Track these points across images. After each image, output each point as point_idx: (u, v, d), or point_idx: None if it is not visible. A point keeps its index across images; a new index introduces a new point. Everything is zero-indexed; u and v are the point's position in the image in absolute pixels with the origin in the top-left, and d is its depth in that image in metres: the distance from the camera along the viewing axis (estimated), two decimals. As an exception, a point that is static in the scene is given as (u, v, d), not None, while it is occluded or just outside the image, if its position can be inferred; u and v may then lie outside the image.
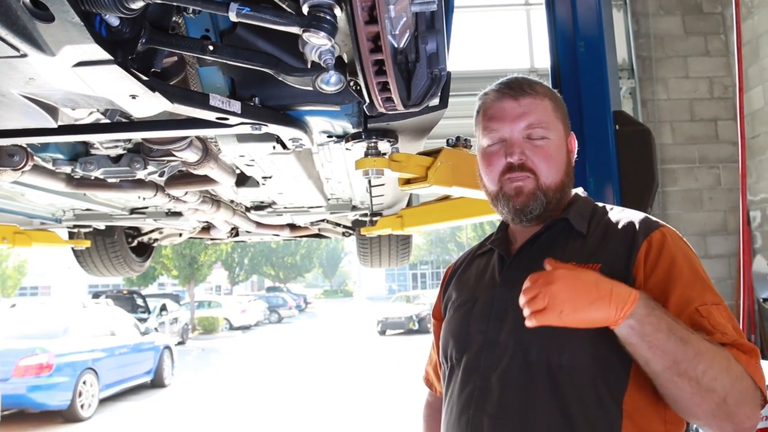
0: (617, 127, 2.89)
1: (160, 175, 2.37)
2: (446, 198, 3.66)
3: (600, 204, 1.42)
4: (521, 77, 1.38)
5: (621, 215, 1.34)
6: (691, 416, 1.13)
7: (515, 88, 1.35)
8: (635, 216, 1.32)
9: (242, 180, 2.76)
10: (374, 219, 3.98)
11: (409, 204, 4.10)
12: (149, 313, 17.15)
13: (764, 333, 6.29)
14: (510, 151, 1.31)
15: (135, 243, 4.98)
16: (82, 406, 9.20)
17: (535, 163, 1.31)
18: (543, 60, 6.88)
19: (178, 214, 3.57)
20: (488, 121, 1.35)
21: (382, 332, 22.15)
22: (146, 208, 3.64)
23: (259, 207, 3.61)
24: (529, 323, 1.09)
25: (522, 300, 1.11)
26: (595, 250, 1.27)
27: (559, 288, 1.07)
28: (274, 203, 3.50)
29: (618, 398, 1.17)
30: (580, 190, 1.45)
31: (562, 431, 1.17)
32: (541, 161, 1.32)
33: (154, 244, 5.32)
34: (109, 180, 2.47)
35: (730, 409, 1.08)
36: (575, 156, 1.41)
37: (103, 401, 9.98)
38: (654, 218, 1.32)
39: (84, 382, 9.28)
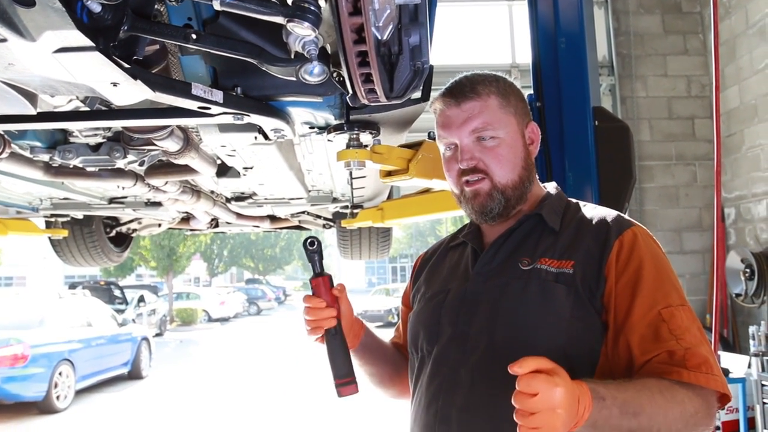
0: (596, 122, 2.92)
1: (140, 165, 2.36)
2: (427, 191, 3.68)
3: (573, 200, 1.43)
4: (464, 78, 1.38)
5: (594, 212, 1.36)
6: None
7: (456, 94, 1.35)
8: (608, 214, 1.34)
9: (223, 170, 2.75)
10: (355, 211, 3.99)
11: (389, 197, 4.11)
12: (127, 304, 17.00)
13: (736, 328, 6.41)
14: (461, 158, 1.33)
15: (113, 233, 4.94)
16: (57, 398, 9.11)
17: (487, 165, 1.32)
18: (524, 56, 6.92)
19: (158, 204, 3.54)
20: (440, 129, 1.38)
21: (362, 325, 22.21)
22: (125, 197, 3.61)
23: (240, 198, 3.60)
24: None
25: (515, 405, 1.00)
26: (568, 246, 1.29)
27: (560, 415, 0.98)
28: (254, 194, 3.49)
29: None
30: (552, 186, 1.46)
31: None
32: (491, 161, 1.32)
33: (133, 235, 5.28)
34: (88, 169, 2.45)
35: None
36: (537, 145, 1.41)
37: (80, 392, 9.90)
38: (626, 217, 1.34)
39: (60, 374, 9.19)
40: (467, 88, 1.35)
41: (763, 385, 5.05)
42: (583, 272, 1.24)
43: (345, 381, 1.41)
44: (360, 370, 1.52)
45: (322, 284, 1.43)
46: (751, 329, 5.39)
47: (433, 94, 1.70)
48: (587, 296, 1.22)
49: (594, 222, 1.32)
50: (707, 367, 1.14)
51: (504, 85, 1.38)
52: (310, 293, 1.45)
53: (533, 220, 1.36)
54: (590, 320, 1.22)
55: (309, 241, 1.46)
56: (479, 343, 1.27)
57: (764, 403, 5.04)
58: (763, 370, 5.09)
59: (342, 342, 1.42)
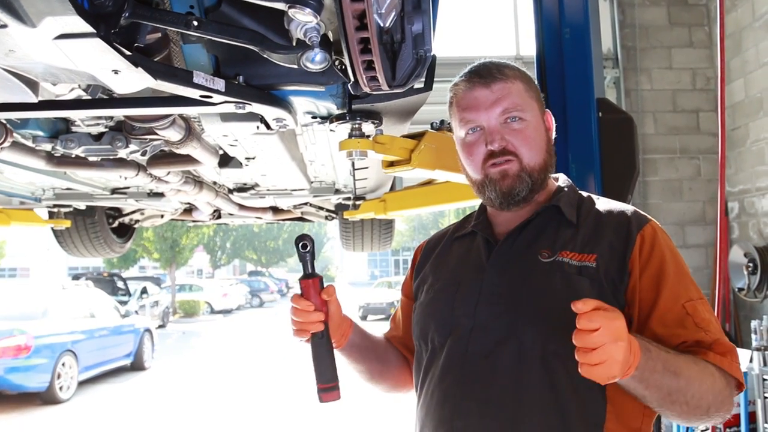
0: (600, 114, 2.91)
1: (142, 154, 2.35)
2: (429, 182, 3.67)
3: (584, 193, 1.43)
4: (488, 62, 1.37)
5: (609, 206, 1.36)
6: (674, 419, 1.22)
7: (485, 75, 1.33)
8: (625, 208, 1.34)
9: (225, 161, 2.75)
10: (357, 203, 3.99)
11: (392, 188, 4.10)
12: (130, 295, 17.04)
13: (738, 322, 6.40)
14: (490, 139, 1.31)
15: (116, 224, 4.95)
16: (60, 388, 9.14)
17: (516, 147, 1.31)
18: (528, 47, 6.89)
19: (160, 194, 3.54)
20: (463, 112, 1.35)
21: (364, 317, 22.23)
22: (128, 188, 3.61)
23: (242, 189, 3.60)
24: (583, 371, 1.03)
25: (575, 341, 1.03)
26: (589, 240, 1.28)
27: (621, 348, 1.01)
28: (257, 185, 3.48)
29: (602, 386, 1.18)
30: (563, 178, 1.45)
31: (553, 417, 1.19)
32: (521, 144, 1.31)
33: (136, 225, 5.29)
34: (90, 158, 2.44)
35: (710, 415, 1.17)
36: (554, 133, 1.41)
37: (82, 383, 9.94)
38: (641, 212, 1.34)
39: (63, 364, 9.22)
40: (494, 69, 1.34)
41: (764, 380, 5.04)
42: (606, 266, 1.23)
43: (328, 386, 1.39)
44: (349, 367, 1.52)
45: (312, 286, 1.40)
46: (754, 324, 5.38)
47: (437, 85, 1.70)
48: (611, 290, 1.22)
49: (613, 216, 1.32)
50: (732, 357, 1.19)
51: (525, 73, 1.39)
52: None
53: (549, 212, 1.35)
54: None
55: (302, 243, 1.42)
56: (500, 336, 1.25)
57: (765, 398, 5.03)
58: (764, 364, 5.08)
59: (328, 346, 1.39)
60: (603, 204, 1.37)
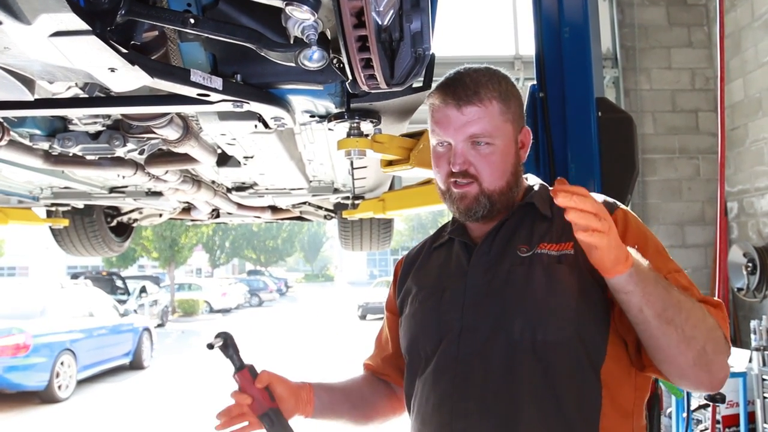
0: (600, 113, 2.90)
1: (140, 153, 2.35)
2: (428, 182, 3.66)
3: None
4: (467, 75, 1.33)
5: None
6: (675, 366, 1.17)
7: (459, 95, 1.30)
8: (594, 197, 1.34)
9: (223, 159, 2.74)
10: (356, 202, 3.98)
11: (391, 188, 4.09)
12: (129, 294, 17.04)
13: (738, 322, 6.40)
14: (453, 161, 1.32)
15: (114, 223, 4.94)
16: (59, 387, 9.14)
17: (479, 170, 1.31)
18: (528, 46, 6.89)
19: (159, 193, 3.53)
20: (434, 125, 1.35)
21: (363, 317, 22.24)
22: (126, 187, 3.60)
23: (241, 188, 3.59)
24: (580, 234, 1.09)
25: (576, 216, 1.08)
26: (564, 230, 1.28)
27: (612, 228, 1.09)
28: (255, 184, 3.47)
29: (597, 370, 1.22)
30: (531, 177, 1.47)
31: (550, 406, 1.20)
32: (484, 168, 1.32)
33: (134, 224, 5.28)
34: (88, 157, 2.43)
35: (708, 357, 1.15)
36: (527, 150, 1.41)
37: (81, 382, 9.94)
38: (611, 199, 1.36)
39: (61, 363, 9.22)
40: (470, 90, 1.30)
41: (763, 380, 5.05)
42: (583, 252, 1.23)
43: None
44: (334, 423, 1.51)
45: (243, 378, 1.36)
46: (753, 324, 5.38)
47: (435, 84, 1.69)
48: (590, 273, 1.22)
49: None
50: (722, 310, 1.21)
51: (506, 87, 1.35)
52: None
53: (523, 210, 1.37)
54: (596, 296, 1.24)
55: (217, 343, 1.38)
56: (489, 333, 1.26)
57: (765, 398, 5.04)
58: (764, 364, 5.08)
59: (284, 426, 1.35)
60: None
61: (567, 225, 1.28)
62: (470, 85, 1.31)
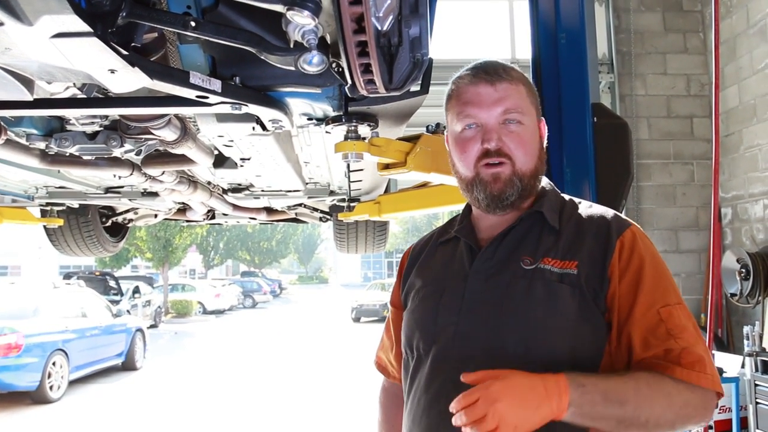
0: (595, 119, 2.92)
1: (137, 154, 2.34)
2: (424, 185, 3.68)
3: (566, 197, 1.43)
4: (495, 61, 1.36)
5: (591, 211, 1.36)
6: None
7: (491, 72, 1.32)
8: (605, 213, 1.34)
9: (220, 161, 2.74)
10: (352, 204, 3.99)
11: (387, 190, 4.10)
12: (122, 295, 16.98)
13: (731, 327, 6.42)
14: (488, 137, 1.30)
15: (109, 223, 4.92)
16: (51, 388, 9.09)
17: (512, 149, 1.30)
18: (524, 51, 6.91)
19: (154, 194, 3.53)
20: (463, 106, 1.33)
21: (357, 319, 22.22)
22: (122, 187, 3.59)
23: (237, 189, 3.59)
24: None
25: (463, 419, 1.07)
26: (570, 246, 1.28)
27: (506, 405, 1.05)
28: (251, 186, 3.47)
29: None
30: (545, 181, 1.45)
31: None
32: (517, 147, 1.31)
33: (129, 225, 5.26)
34: (85, 157, 2.43)
35: (683, 426, 1.16)
36: (545, 142, 1.41)
37: (73, 383, 9.89)
38: (623, 216, 1.34)
39: (53, 364, 9.17)
40: (501, 69, 1.34)
41: (756, 385, 5.06)
42: (587, 273, 1.24)
43: None
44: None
45: None
46: (746, 329, 5.40)
47: (433, 88, 1.70)
48: (591, 297, 1.23)
49: (593, 221, 1.32)
50: (701, 366, 1.16)
51: (527, 78, 1.39)
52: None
53: (532, 218, 1.35)
54: (595, 320, 1.23)
55: None
56: (483, 342, 1.25)
57: (757, 403, 5.05)
58: (756, 369, 5.10)
59: None
60: (584, 208, 1.37)
61: (573, 241, 1.29)
62: (499, 66, 1.35)
